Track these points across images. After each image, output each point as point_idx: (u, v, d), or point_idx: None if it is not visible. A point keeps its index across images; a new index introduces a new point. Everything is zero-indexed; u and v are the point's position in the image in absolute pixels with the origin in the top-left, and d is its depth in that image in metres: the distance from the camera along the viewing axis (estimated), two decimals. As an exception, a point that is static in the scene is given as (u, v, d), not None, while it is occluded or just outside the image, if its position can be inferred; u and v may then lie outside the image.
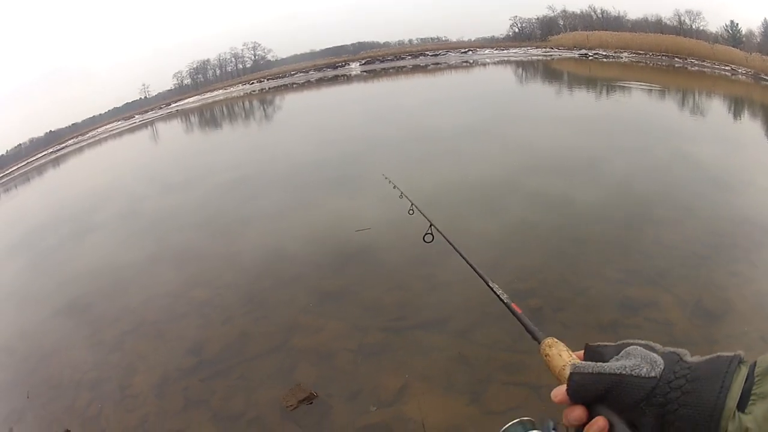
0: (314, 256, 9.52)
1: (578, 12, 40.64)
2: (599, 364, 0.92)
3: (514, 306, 1.47)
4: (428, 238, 3.03)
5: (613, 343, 0.99)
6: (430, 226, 3.10)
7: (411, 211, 3.97)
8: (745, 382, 0.83)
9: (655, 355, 0.90)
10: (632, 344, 0.96)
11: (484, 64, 42.17)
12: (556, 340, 1.13)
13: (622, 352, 0.94)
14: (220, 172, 19.23)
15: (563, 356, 1.06)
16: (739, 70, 28.20)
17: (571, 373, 0.93)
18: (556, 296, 6.96)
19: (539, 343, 1.18)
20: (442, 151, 15.83)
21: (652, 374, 0.87)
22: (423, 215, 3.49)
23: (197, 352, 7.56)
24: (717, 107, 22.36)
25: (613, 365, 0.90)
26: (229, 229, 12.48)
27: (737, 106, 22.36)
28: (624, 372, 0.88)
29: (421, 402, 5.55)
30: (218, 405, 6.39)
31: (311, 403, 5.86)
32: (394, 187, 5.10)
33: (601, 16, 38.72)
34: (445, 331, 6.50)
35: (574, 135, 15.90)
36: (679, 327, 6.27)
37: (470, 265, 2.06)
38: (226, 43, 56.68)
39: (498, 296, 1.63)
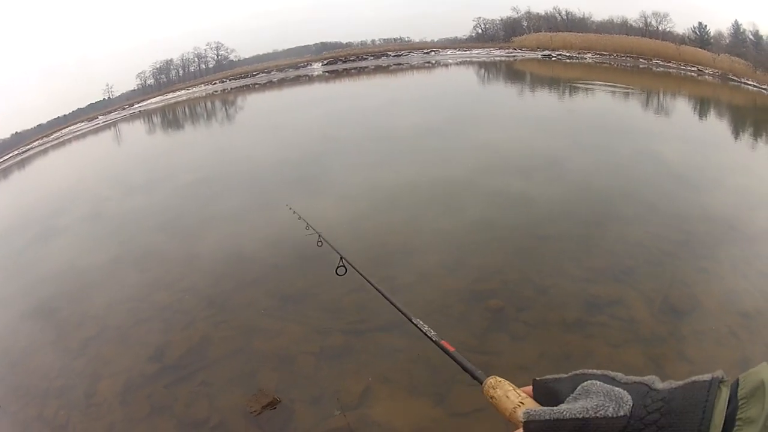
0: (274, 258, 9.44)
1: (542, 13, 41.02)
2: (556, 408, 0.82)
3: (444, 344, 1.39)
4: (341, 270, 2.86)
5: (565, 375, 0.90)
6: (341, 259, 2.91)
7: (319, 243, 3.85)
8: (728, 405, 0.75)
9: (619, 390, 0.80)
10: (588, 375, 0.87)
11: (447, 65, 42.40)
12: (499, 379, 1.06)
13: (579, 388, 0.84)
14: (180, 174, 18.96)
15: (511, 397, 0.98)
16: (706, 71, 28.77)
17: (525, 422, 0.83)
18: (519, 295, 7.02)
19: (480, 383, 1.10)
20: (398, 151, 15.86)
21: (621, 413, 0.77)
22: (332, 247, 3.33)
23: (160, 358, 7.47)
24: (681, 107, 22.89)
25: (572, 408, 0.80)
26: (189, 232, 12.36)
27: (701, 105, 22.92)
28: (587, 415, 0.77)
29: (385, 405, 5.56)
30: (182, 411, 6.33)
31: (275, 408, 5.83)
32: (299, 218, 5.35)
33: (565, 17, 39.15)
34: (406, 332, 6.41)
35: (534, 134, 16.13)
36: (646, 324, 6.38)
37: (389, 301, 1.96)
38: (189, 43, 55.91)
39: (425, 334, 1.53)
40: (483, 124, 18.33)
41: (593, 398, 0.80)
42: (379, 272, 8.13)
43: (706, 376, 0.78)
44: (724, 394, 0.75)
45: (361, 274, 2.48)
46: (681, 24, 32.30)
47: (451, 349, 1.34)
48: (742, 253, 7.92)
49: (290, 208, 6.05)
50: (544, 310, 6.75)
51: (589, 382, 0.84)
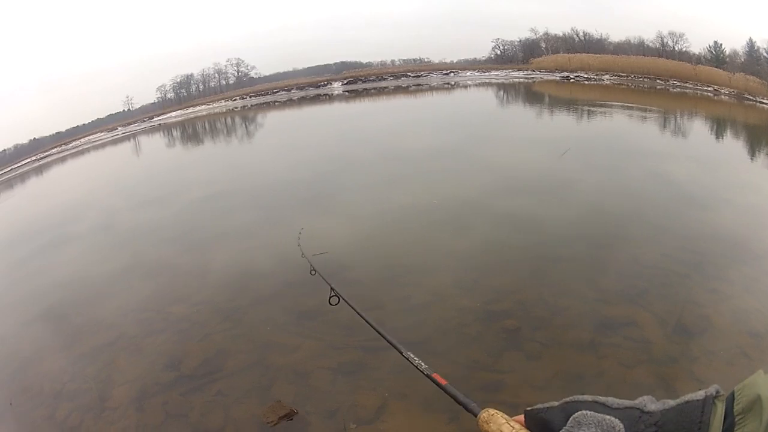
0: (286, 275, 9.43)
1: (560, 35, 41.34)
2: None
3: (437, 377, 1.35)
4: (333, 300, 2.86)
5: (555, 403, 0.87)
6: (331, 289, 2.89)
7: (313, 272, 3.87)
8: (724, 421, 0.74)
9: (610, 418, 0.77)
10: (578, 403, 0.84)
11: (466, 86, 42.49)
12: (492, 411, 1.05)
13: (571, 420, 0.81)
14: (196, 188, 19.17)
15: (504, 430, 0.97)
16: (722, 91, 28.65)
17: None
18: (534, 316, 7.02)
19: (475, 415, 1.09)
20: (414, 171, 15.95)
21: None
22: (323, 278, 3.31)
23: (176, 367, 7.52)
24: (696, 127, 22.82)
25: None
26: (204, 246, 12.45)
27: (717, 125, 22.82)
28: None
29: (400, 420, 5.59)
30: (197, 420, 6.36)
31: (291, 420, 5.86)
32: (299, 244, 5.63)
33: (583, 38, 39.35)
34: (423, 350, 6.40)
35: (548, 156, 16.06)
36: (658, 345, 6.35)
37: (379, 333, 1.91)
38: (210, 58, 56.63)
39: (416, 367, 1.49)
40: (498, 146, 18.39)
41: (585, 430, 0.77)
42: (393, 292, 8.20)
43: (700, 394, 0.77)
44: (720, 410, 0.74)
45: (351, 307, 2.46)
46: (696, 43, 32.23)
47: (443, 382, 1.32)
48: (753, 272, 7.92)
49: (299, 235, 6.41)
50: (558, 330, 6.76)
51: (580, 413, 0.81)
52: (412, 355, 1.56)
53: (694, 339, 6.41)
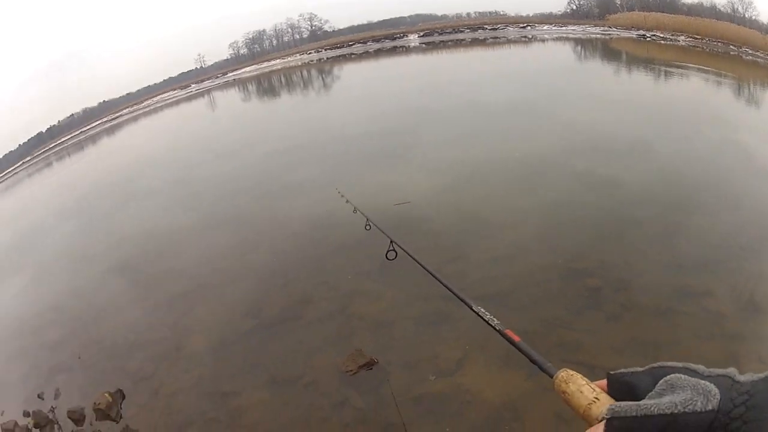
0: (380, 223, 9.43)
1: None
2: (643, 403, 0.77)
3: (510, 333, 1.25)
4: (390, 254, 2.78)
5: (640, 369, 0.85)
6: (391, 243, 2.79)
7: (367, 227, 3.70)
8: None
9: (706, 383, 0.76)
10: (668, 368, 0.82)
11: (543, 40, 41.54)
12: (571, 372, 0.98)
13: (662, 382, 0.79)
14: (272, 142, 19.59)
15: (585, 392, 0.91)
16: (794, 64, 27.19)
17: (609, 418, 0.78)
18: (616, 277, 6.84)
19: (551, 377, 1.02)
20: (492, 126, 15.83)
21: (709, 407, 0.73)
22: (381, 231, 3.16)
23: (255, 315, 7.67)
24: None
25: (660, 403, 0.75)
26: (283, 196, 12.61)
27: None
28: (676, 410, 0.73)
29: (479, 374, 5.59)
30: (275, 368, 6.51)
31: (371, 369, 5.93)
32: (347, 201, 5.23)
33: (657, -4, 38.15)
34: (505, 304, 6.44)
35: (626, 117, 15.42)
36: (732, 319, 6.19)
37: (446, 286, 1.80)
38: (282, 14, 57.33)
39: (488, 323, 1.39)
40: (578, 103, 17.75)
41: (680, 393, 0.76)
42: (477, 243, 8.13)
43: None
44: None
45: (413, 258, 2.31)
46: (765, 12, 30.76)
47: (516, 339, 1.22)
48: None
49: (339, 192, 6.24)
50: (637, 293, 6.60)
51: (673, 375, 0.79)
52: (482, 310, 1.44)
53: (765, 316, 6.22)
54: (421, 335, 6.33)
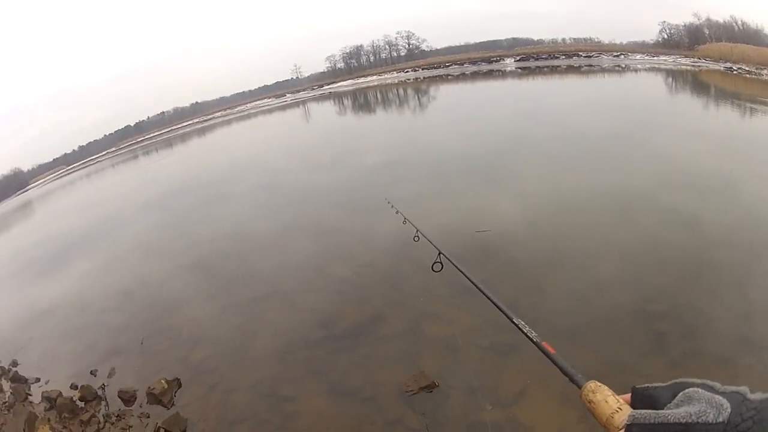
0: (458, 249, 9.29)
1: (721, 22, 39.11)
2: (661, 412, 0.86)
3: (546, 345, 1.35)
4: (436, 266, 2.82)
5: (662, 384, 0.95)
6: (438, 254, 2.84)
7: (416, 238, 3.72)
8: None
9: (719, 397, 0.85)
10: (688, 384, 0.91)
11: (636, 70, 40.58)
12: (598, 384, 1.07)
13: (681, 395, 0.89)
14: (365, 156, 19.96)
15: (610, 402, 1.01)
16: None
17: (629, 424, 0.88)
18: (684, 323, 6.62)
19: (579, 387, 1.11)
20: (583, 153, 15.56)
21: (720, 419, 0.81)
22: (430, 242, 3.21)
23: (327, 326, 7.91)
24: None
25: (676, 413, 0.84)
26: (373, 211, 12.70)
27: None
28: (690, 420, 0.82)
29: (536, 409, 5.58)
30: (337, 379, 6.70)
31: (431, 392, 6.03)
32: (397, 212, 5.33)
33: (742, 28, 36.90)
34: (577, 342, 6.41)
35: (716, 153, 14.78)
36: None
37: (489, 298, 1.88)
38: (379, 30, 58.77)
39: (526, 334, 1.47)
40: (671, 136, 17.09)
41: (695, 404, 0.84)
42: (555, 275, 8.10)
43: None
44: None
45: (460, 270, 2.37)
46: None
47: (552, 351, 1.30)
48: None
49: (389, 203, 6.38)
50: (704, 341, 6.38)
51: (691, 389, 0.88)
52: (522, 322, 1.52)
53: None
54: (486, 363, 6.38)
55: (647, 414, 0.86)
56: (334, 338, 7.57)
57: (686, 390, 0.89)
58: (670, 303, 7.03)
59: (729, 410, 0.82)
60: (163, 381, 7.30)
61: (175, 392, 7.27)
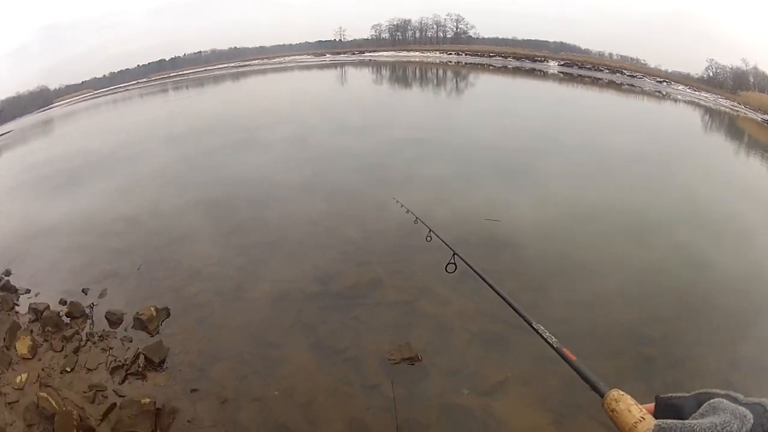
0: (464, 233, 9.47)
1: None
2: (687, 422, 0.87)
3: (566, 352, 1.34)
4: (450, 267, 2.80)
5: (686, 394, 0.96)
6: (453, 255, 2.81)
7: (428, 238, 3.67)
8: None
9: (743, 408, 0.86)
10: (712, 394, 0.93)
11: (675, 100, 40.13)
12: (622, 392, 1.06)
13: (706, 405, 0.90)
14: (397, 128, 19.88)
15: (633, 411, 1.00)
16: None
17: None
18: (672, 353, 6.65)
19: (602, 396, 1.10)
20: (603, 170, 15.30)
21: (743, 430, 0.83)
22: (443, 242, 3.16)
23: (325, 282, 8.00)
24: None
25: (702, 423, 0.85)
26: (392, 182, 12.77)
27: None
28: (715, 430, 0.83)
29: (511, 403, 5.62)
30: (324, 335, 6.80)
31: (413, 365, 6.11)
32: (407, 212, 5.30)
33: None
34: (564, 346, 6.35)
35: (739, 201, 14.78)
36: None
37: (508, 303, 1.85)
38: (430, 9, 58.14)
39: (546, 340, 1.46)
40: (696, 172, 16.91)
41: (720, 415, 0.85)
42: (559, 281, 8.11)
43: None
44: None
45: (477, 273, 2.32)
46: None
47: (572, 357, 1.29)
48: None
49: (397, 201, 6.19)
50: (687, 375, 6.46)
51: (716, 400, 0.89)
52: (542, 328, 1.51)
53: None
54: (472, 349, 6.43)
55: (674, 424, 0.87)
56: (330, 295, 7.65)
57: (711, 400, 0.90)
58: (664, 331, 7.04)
59: (752, 421, 0.84)
60: (152, 308, 7.40)
61: (162, 321, 7.36)
